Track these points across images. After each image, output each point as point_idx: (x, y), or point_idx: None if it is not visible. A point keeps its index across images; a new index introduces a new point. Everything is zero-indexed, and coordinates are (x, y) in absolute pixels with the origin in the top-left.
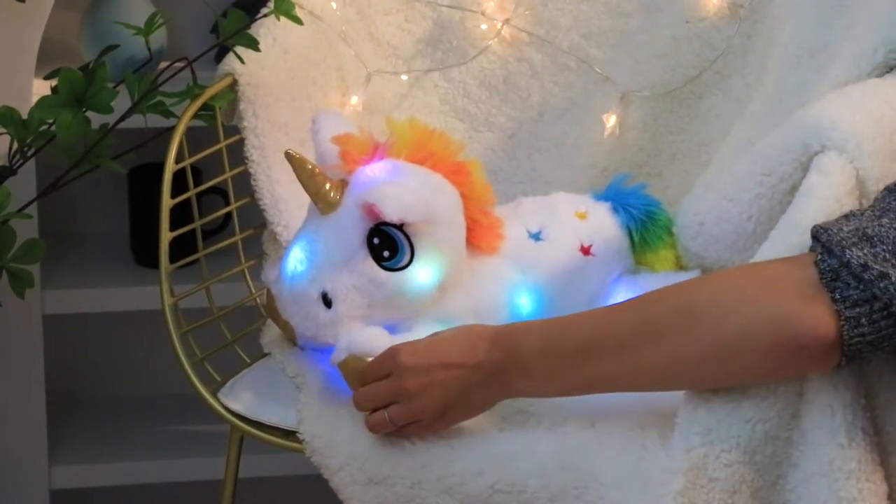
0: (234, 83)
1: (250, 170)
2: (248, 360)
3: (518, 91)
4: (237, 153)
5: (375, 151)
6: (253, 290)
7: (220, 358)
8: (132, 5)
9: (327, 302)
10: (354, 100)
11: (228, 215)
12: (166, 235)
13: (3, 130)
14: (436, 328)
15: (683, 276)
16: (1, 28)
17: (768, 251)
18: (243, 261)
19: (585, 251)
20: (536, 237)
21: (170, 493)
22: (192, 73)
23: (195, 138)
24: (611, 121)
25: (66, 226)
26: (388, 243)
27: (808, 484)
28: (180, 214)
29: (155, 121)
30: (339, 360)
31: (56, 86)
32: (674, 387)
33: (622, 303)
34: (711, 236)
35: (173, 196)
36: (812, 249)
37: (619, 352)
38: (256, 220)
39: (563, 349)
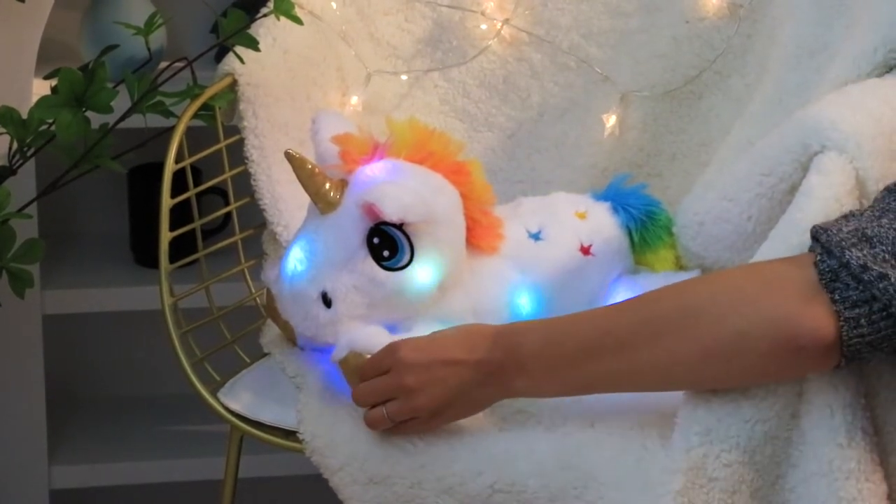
0: (234, 83)
1: (250, 170)
2: (248, 360)
3: (518, 91)
4: (237, 153)
5: (375, 151)
6: (253, 290)
7: (220, 358)
8: (132, 5)
9: (327, 302)
10: (354, 100)
11: (228, 215)
12: (166, 235)
13: (3, 130)
14: (435, 328)
15: (683, 276)
16: (1, 28)
17: (768, 251)
18: (243, 261)
19: (585, 251)
20: (536, 237)
21: (170, 493)
22: (192, 73)
23: (195, 138)
24: (611, 121)
25: (66, 226)
26: (387, 243)
27: (808, 484)
28: (180, 214)
29: (155, 121)
30: (339, 358)
31: (56, 86)
32: (673, 387)
33: (622, 303)
34: (711, 236)
35: (173, 196)
36: (812, 250)
37: (618, 352)
38: (256, 220)
39: (562, 349)
